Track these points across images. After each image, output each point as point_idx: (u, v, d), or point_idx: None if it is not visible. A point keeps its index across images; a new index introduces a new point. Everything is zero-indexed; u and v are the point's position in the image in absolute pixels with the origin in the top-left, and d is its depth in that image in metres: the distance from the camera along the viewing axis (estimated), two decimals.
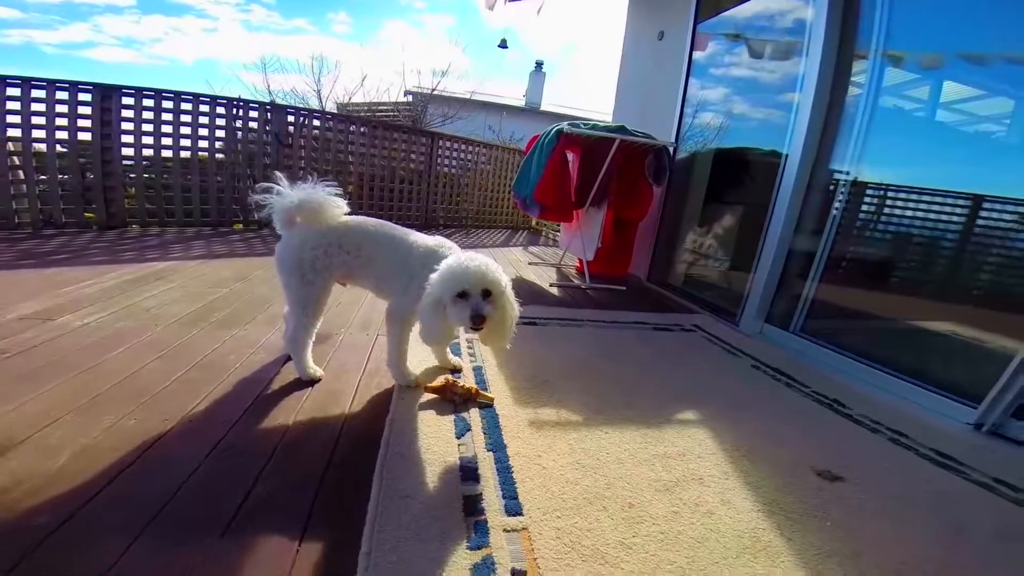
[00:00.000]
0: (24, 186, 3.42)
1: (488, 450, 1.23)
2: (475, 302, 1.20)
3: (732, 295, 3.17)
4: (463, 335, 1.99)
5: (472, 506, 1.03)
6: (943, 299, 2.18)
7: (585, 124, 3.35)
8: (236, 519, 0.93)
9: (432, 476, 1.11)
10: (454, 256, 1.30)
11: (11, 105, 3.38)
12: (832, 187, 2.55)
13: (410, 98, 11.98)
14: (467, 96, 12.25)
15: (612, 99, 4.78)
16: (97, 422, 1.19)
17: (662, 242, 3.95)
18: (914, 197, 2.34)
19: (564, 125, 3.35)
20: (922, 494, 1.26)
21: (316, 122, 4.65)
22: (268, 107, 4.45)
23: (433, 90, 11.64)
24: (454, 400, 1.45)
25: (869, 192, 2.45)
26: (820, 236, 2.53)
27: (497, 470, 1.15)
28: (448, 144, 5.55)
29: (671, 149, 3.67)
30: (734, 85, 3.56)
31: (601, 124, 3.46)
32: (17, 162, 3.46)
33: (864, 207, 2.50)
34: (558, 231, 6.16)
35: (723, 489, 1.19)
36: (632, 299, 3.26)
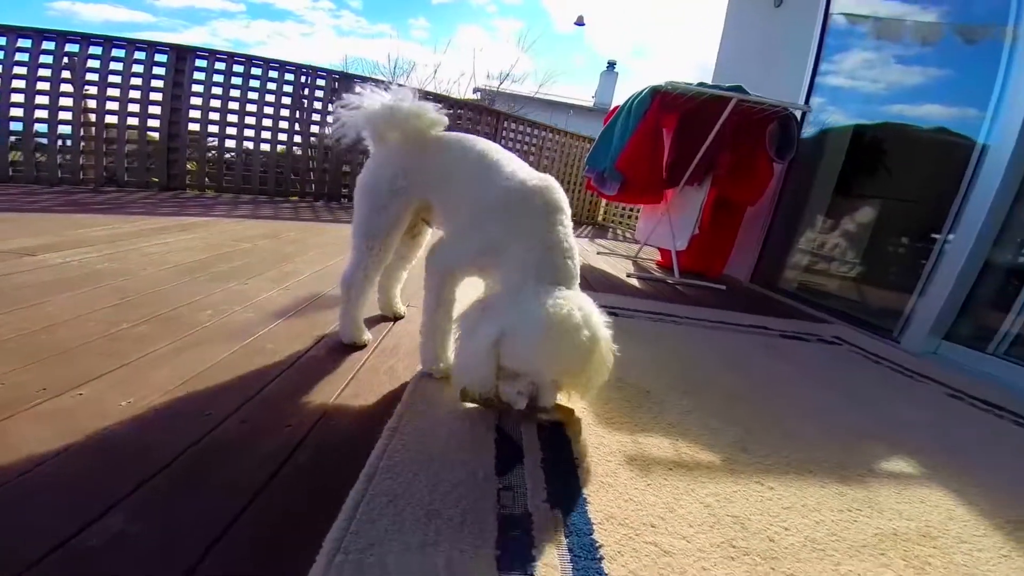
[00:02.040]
0: (92, 143, 3.40)
1: (550, 505, 0.66)
2: (545, 395, 0.79)
3: (879, 306, 2.38)
4: None
5: None
6: None
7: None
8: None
9: (437, 561, 0.55)
10: (551, 304, 0.77)
11: (91, 63, 3.38)
12: None
13: (478, 95, 11.84)
14: (533, 95, 11.88)
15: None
16: None
17: (775, 236, 3.15)
18: None
19: (661, 82, 2.71)
20: None
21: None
22: (336, 76, 4.24)
23: (499, 86, 11.39)
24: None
25: None
26: None
27: (571, 554, 0.57)
28: (514, 126, 5.07)
29: (800, 116, 2.90)
30: (884, 41, 2.74)
31: (710, 84, 2.78)
32: (92, 119, 3.46)
33: None
34: (630, 227, 5.46)
35: None
36: (736, 300, 2.53)
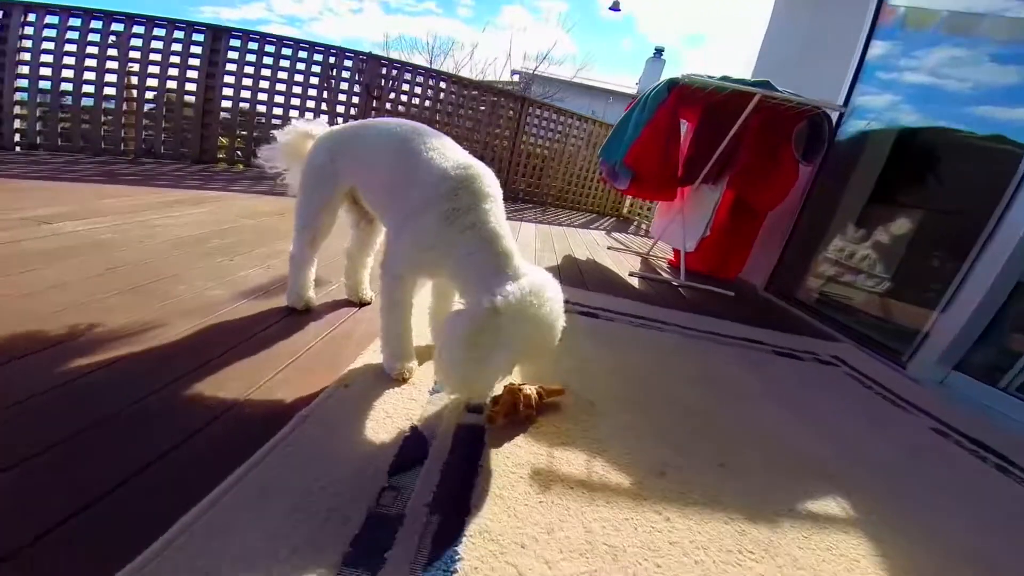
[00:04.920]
0: (133, 117, 3.61)
1: (431, 510, 0.67)
2: None
3: (894, 326, 2.26)
4: None
5: None
6: None
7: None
8: None
9: (279, 553, 0.58)
10: (521, 286, 0.79)
11: (134, 42, 3.56)
12: None
13: (516, 77, 11.64)
14: (571, 79, 11.55)
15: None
16: None
17: (797, 242, 2.98)
18: None
19: (679, 75, 2.58)
20: None
21: (407, 76, 4.40)
22: (363, 57, 4.29)
23: (535, 68, 11.15)
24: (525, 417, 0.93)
25: None
26: None
27: (425, 563, 0.58)
28: (538, 112, 4.97)
29: (835, 117, 2.70)
30: (941, 39, 2.48)
31: (733, 77, 2.63)
32: (134, 95, 3.67)
33: None
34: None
35: None
36: (742, 309, 2.43)
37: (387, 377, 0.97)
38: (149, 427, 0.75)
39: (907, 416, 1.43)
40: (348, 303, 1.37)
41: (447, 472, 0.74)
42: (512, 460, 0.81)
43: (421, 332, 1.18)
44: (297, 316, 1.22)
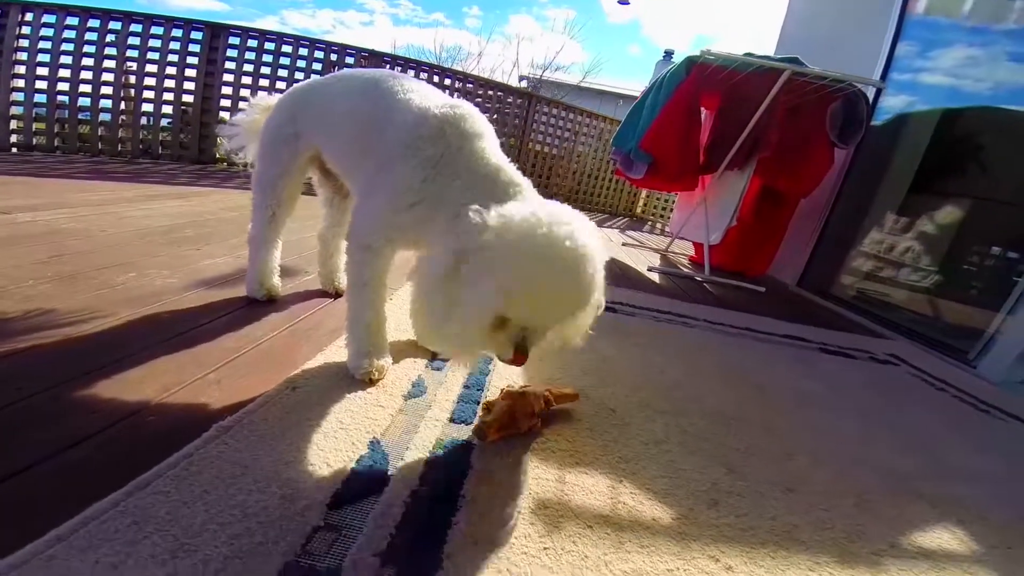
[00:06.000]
0: (131, 117, 3.52)
1: (382, 561, 0.45)
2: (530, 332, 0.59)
3: (954, 322, 1.98)
4: None
5: None
6: None
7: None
8: None
9: None
10: (527, 206, 0.59)
11: (132, 40, 3.49)
12: None
13: (524, 83, 11.55)
14: (578, 84, 11.42)
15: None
16: None
17: (831, 235, 2.72)
18: None
19: (699, 51, 2.37)
20: None
21: (411, 72, 4.26)
22: (364, 55, 4.17)
23: (542, 74, 11.04)
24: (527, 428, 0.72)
25: None
26: None
27: None
28: (546, 109, 4.78)
29: (872, 94, 2.45)
30: (992, 7, 2.24)
31: (758, 54, 2.40)
32: (132, 94, 3.59)
33: None
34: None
35: None
36: (776, 305, 2.17)
37: (350, 378, 0.77)
38: (26, 430, 0.56)
39: (995, 421, 1.18)
40: (322, 294, 1.18)
41: (413, 506, 0.53)
42: (510, 489, 0.59)
43: (400, 323, 0.98)
44: (256, 307, 1.03)
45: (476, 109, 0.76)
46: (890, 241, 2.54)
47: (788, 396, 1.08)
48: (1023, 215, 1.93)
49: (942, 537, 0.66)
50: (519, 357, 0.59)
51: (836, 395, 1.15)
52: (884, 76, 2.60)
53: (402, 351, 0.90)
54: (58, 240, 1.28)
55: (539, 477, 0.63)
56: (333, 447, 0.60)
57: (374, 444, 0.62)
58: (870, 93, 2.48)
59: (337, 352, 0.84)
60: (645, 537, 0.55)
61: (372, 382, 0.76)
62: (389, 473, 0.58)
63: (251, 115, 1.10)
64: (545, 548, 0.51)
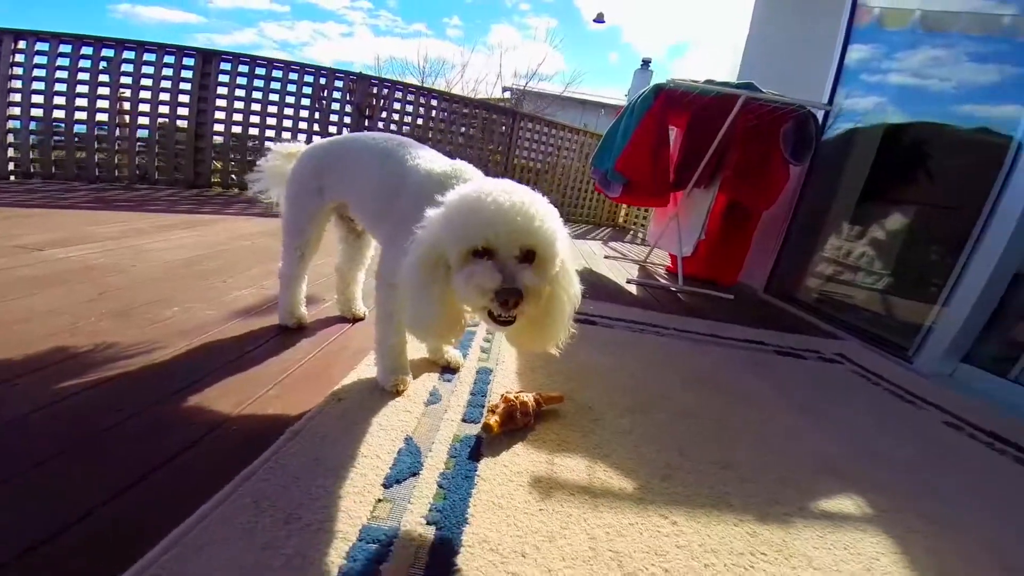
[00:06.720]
0: (127, 143, 3.63)
1: (427, 522, 0.64)
2: (509, 267, 0.65)
3: (896, 322, 2.24)
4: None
5: None
6: None
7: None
8: None
9: (273, 563, 0.55)
10: (473, 184, 0.74)
11: (125, 67, 3.60)
12: None
13: (507, 94, 11.82)
14: (561, 94, 11.73)
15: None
16: None
17: (792, 243, 2.98)
18: None
19: (666, 80, 2.62)
20: None
21: (398, 94, 4.45)
22: (353, 77, 4.34)
23: (527, 84, 11.32)
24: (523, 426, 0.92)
25: None
26: None
27: (422, 574, 0.56)
28: (530, 125, 5.02)
29: (820, 116, 2.73)
30: (920, 38, 2.53)
31: (718, 81, 2.66)
32: (127, 120, 3.69)
33: None
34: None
35: None
36: (743, 312, 2.41)
37: (381, 390, 0.95)
38: (138, 443, 0.73)
39: (917, 411, 1.41)
40: (341, 319, 1.36)
41: (443, 483, 0.72)
42: (511, 469, 0.79)
43: (417, 345, 1.17)
44: (289, 334, 1.21)
45: (470, 167, 0.92)
46: (846, 247, 2.81)
47: (739, 395, 1.29)
48: (958, 217, 2.20)
49: (844, 504, 0.86)
50: (510, 301, 0.62)
51: (781, 393, 1.37)
52: (831, 99, 2.89)
53: (419, 367, 1.08)
54: (96, 277, 1.43)
55: (533, 460, 0.82)
56: (378, 442, 0.78)
57: (408, 440, 0.81)
58: (820, 114, 2.76)
59: (367, 370, 1.02)
60: (614, 501, 0.75)
61: (399, 393, 0.95)
62: (422, 460, 0.76)
63: (273, 161, 1.27)
64: (541, 509, 0.70)
